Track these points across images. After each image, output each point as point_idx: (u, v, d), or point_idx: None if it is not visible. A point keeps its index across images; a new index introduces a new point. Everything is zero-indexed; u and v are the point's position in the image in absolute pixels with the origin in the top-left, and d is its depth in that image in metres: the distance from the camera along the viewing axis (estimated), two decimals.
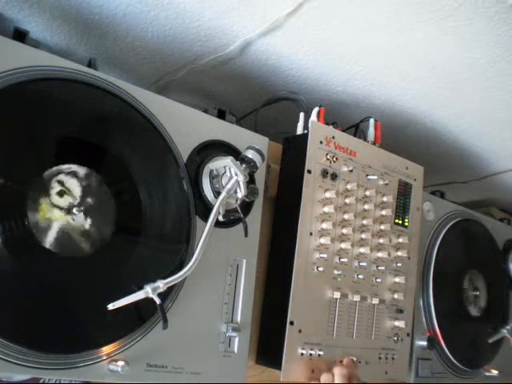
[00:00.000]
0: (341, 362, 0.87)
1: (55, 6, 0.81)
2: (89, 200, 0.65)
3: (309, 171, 0.86)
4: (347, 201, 0.91)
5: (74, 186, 0.64)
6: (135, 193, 0.70)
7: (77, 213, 0.64)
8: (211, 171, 0.78)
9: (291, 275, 0.82)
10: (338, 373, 0.82)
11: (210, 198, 0.77)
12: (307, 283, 0.84)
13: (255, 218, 0.84)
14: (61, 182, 0.63)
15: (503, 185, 1.44)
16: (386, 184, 0.98)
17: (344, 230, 0.90)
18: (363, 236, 0.93)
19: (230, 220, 0.77)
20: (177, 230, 0.74)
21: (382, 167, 0.98)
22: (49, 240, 0.62)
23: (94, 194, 0.66)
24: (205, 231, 0.71)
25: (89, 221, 0.65)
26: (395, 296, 0.97)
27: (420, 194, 1.06)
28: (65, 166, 0.64)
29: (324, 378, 0.83)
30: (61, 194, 0.63)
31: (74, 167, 0.64)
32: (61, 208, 0.63)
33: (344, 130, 0.96)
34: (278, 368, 0.80)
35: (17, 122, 0.62)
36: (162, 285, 0.66)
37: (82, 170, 0.65)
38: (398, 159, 1.02)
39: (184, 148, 0.77)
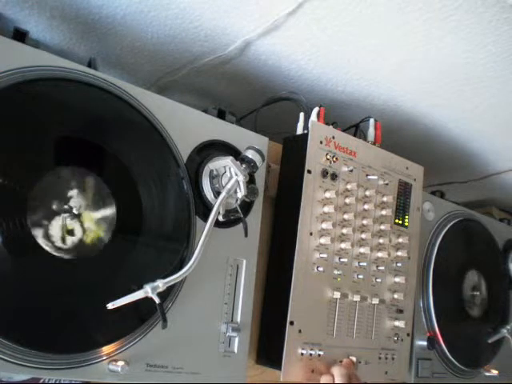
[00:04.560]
0: (340, 362, 0.87)
1: (55, 6, 0.81)
2: (79, 205, 0.65)
3: (309, 171, 0.86)
4: (347, 201, 0.91)
5: (63, 221, 0.63)
6: (135, 193, 0.70)
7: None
8: (211, 171, 0.78)
9: (291, 275, 0.82)
10: (338, 373, 0.82)
11: (209, 198, 0.77)
12: (307, 283, 0.84)
13: (255, 218, 0.84)
14: (58, 233, 0.63)
15: (503, 185, 1.44)
16: (386, 184, 0.98)
17: (344, 230, 0.90)
18: (363, 236, 0.93)
19: (230, 220, 0.77)
20: (177, 229, 0.74)
21: (382, 167, 0.98)
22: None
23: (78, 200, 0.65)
24: (205, 231, 0.71)
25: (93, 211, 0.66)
26: (395, 296, 0.97)
27: (420, 194, 1.06)
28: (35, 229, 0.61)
29: (324, 379, 0.83)
30: (70, 233, 0.64)
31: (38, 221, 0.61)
32: (83, 223, 0.64)
33: (344, 130, 0.96)
34: (278, 368, 0.80)
35: (17, 122, 0.62)
36: (161, 284, 0.66)
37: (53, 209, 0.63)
38: (398, 159, 1.02)
39: (184, 148, 0.77)
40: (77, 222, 0.64)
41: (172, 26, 0.84)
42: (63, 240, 0.63)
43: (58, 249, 0.62)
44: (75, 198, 0.64)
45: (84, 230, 0.64)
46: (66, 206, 0.63)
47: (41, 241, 0.61)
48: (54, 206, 0.63)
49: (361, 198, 0.94)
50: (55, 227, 0.62)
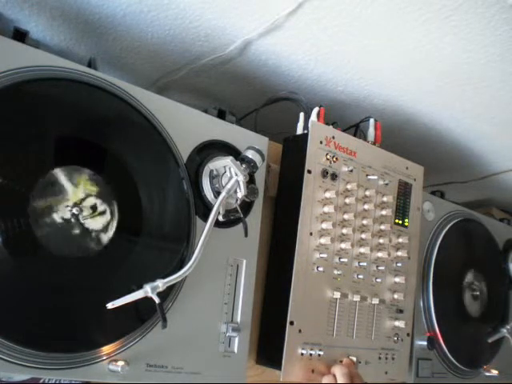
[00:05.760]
0: (340, 362, 0.87)
1: (55, 6, 0.81)
2: (79, 205, 0.65)
3: (309, 171, 0.86)
4: (347, 201, 0.91)
5: (63, 221, 0.63)
6: (135, 193, 0.70)
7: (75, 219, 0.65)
8: (211, 171, 0.78)
9: (291, 275, 0.82)
10: (340, 373, 0.82)
11: (209, 198, 0.77)
12: (307, 283, 0.84)
13: (255, 218, 0.84)
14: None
15: (503, 185, 1.44)
16: (386, 184, 0.98)
17: (344, 230, 0.90)
18: (363, 236, 0.93)
19: (230, 220, 0.77)
20: (177, 229, 0.74)
21: (382, 167, 0.98)
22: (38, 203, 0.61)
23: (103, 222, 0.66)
24: (204, 231, 0.71)
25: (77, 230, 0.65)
26: (395, 296, 0.97)
27: (420, 194, 1.06)
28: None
29: (326, 379, 0.82)
30: (70, 233, 0.64)
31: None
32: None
33: (344, 130, 0.96)
34: (278, 368, 0.80)
35: (17, 122, 0.62)
36: (161, 284, 0.66)
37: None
38: (398, 159, 1.02)
39: (184, 148, 0.77)
40: (77, 222, 0.64)
41: (172, 26, 0.84)
42: (63, 240, 0.63)
43: (58, 248, 0.62)
44: (75, 198, 0.64)
45: (84, 230, 0.64)
46: (66, 206, 0.63)
47: (41, 240, 0.61)
48: (55, 206, 0.63)
49: (361, 198, 0.94)
50: (55, 227, 0.62)
